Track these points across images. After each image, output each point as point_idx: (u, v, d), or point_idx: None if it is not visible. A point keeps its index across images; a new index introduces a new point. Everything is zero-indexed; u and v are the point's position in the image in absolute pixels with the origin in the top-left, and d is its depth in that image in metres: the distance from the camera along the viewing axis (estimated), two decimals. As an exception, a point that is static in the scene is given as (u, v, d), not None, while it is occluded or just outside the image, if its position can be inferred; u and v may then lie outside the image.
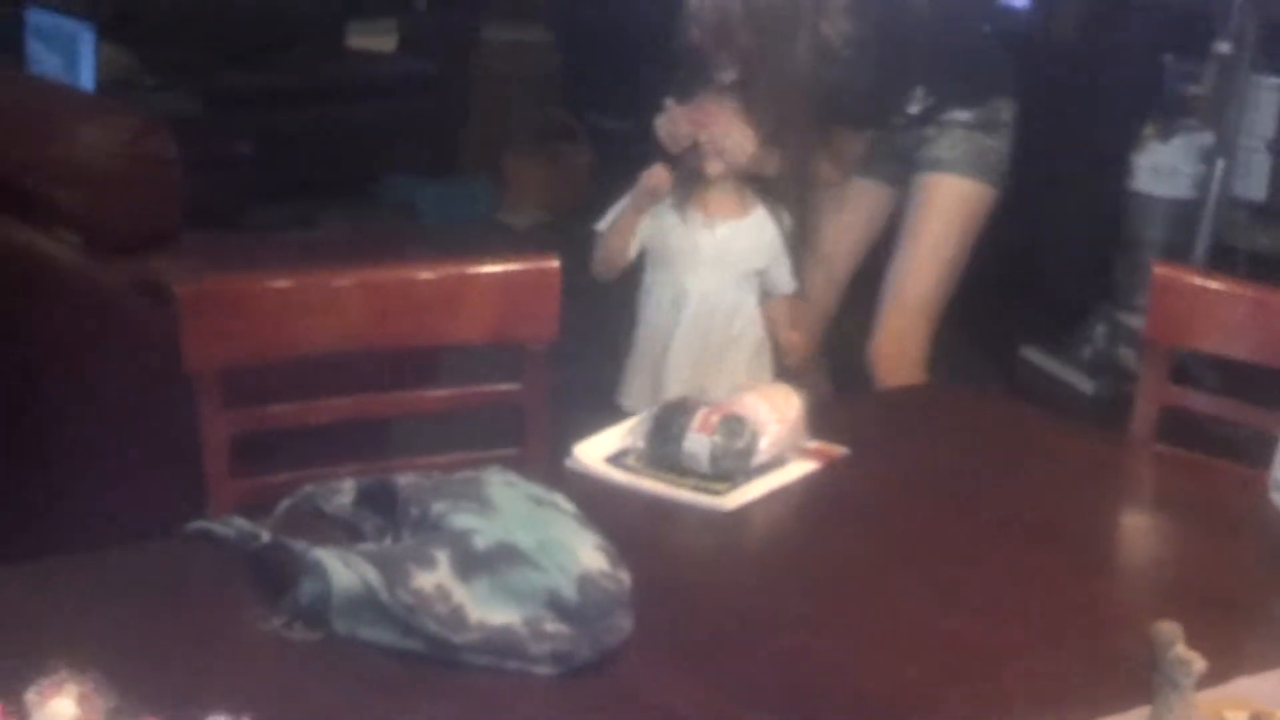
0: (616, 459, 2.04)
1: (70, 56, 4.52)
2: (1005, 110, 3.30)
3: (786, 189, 3.10)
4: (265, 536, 1.72)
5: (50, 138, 2.60)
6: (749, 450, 2.01)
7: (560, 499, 1.74)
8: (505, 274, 2.09)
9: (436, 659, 1.58)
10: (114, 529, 1.99)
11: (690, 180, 3.05)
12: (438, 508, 1.70)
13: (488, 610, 1.60)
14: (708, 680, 1.58)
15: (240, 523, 1.76)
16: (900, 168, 3.37)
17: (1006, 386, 4.84)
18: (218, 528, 1.77)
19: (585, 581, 1.61)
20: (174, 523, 1.78)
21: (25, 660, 1.28)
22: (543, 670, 1.57)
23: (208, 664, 1.56)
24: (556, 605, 1.59)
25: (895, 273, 3.29)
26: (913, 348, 3.25)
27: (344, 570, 1.61)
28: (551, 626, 1.59)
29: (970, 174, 3.28)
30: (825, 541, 1.93)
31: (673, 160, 3.01)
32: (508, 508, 1.70)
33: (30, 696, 1.26)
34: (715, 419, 2.02)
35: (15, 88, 2.87)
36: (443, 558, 1.63)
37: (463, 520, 1.67)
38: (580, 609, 1.59)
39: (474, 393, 2.07)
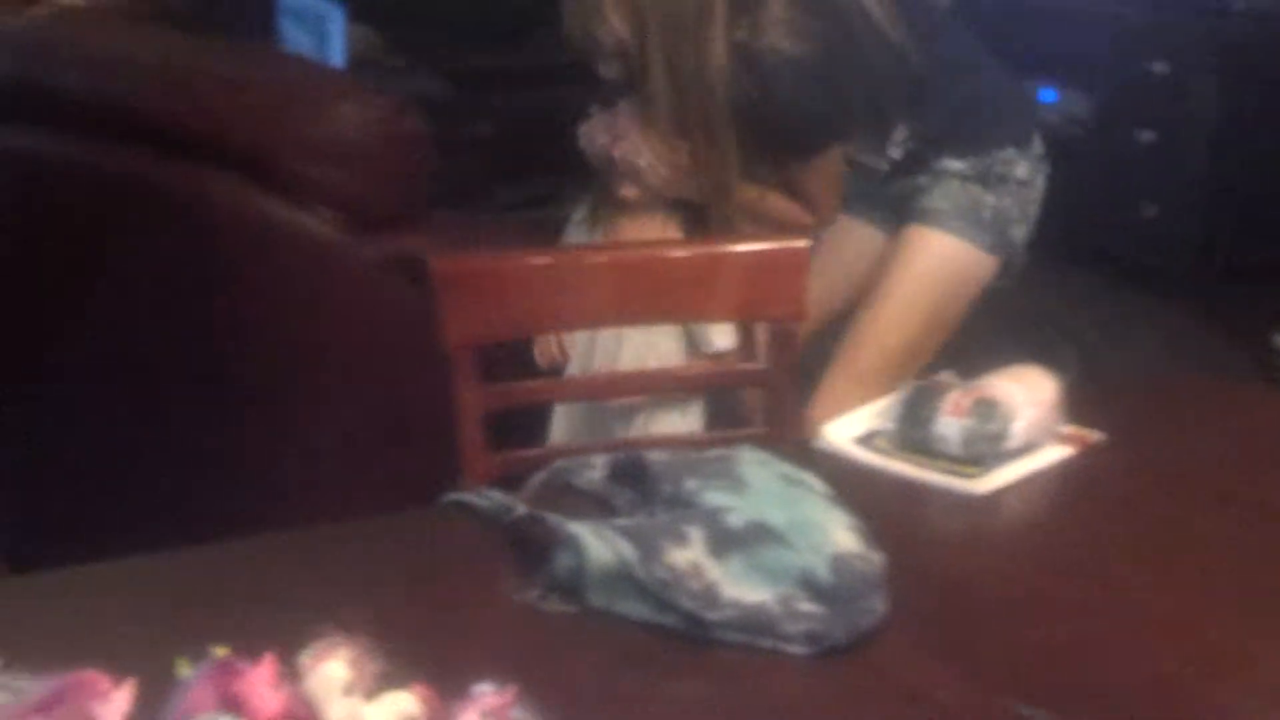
0: (865, 440, 2.02)
1: (320, 36, 4.63)
2: (1016, 165, 2.85)
3: (709, 222, 2.68)
4: (520, 509, 1.74)
5: (309, 116, 2.66)
6: (1002, 434, 1.98)
7: (811, 479, 1.74)
8: (756, 253, 2.08)
9: (690, 635, 1.59)
10: (368, 502, 2.04)
11: (609, 203, 2.70)
12: (690, 485, 1.71)
13: (741, 588, 1.61)
14: (963, 666, 1.56)
15: (495, 495, 1.79)
16: (894, 216, 2.95)
17: (1258, 375, 4.70)
18: (473, 500, 1.80)
19: (839, 562, 1.61)
20: (429, 496, 1.81)
21: (295, 626, 1.31)
22: (796, 650, 1.57)
23: (466, 634, 1.59)
24: (810, 585, 1.59)
25: (853, 331, 2.83)
26: None
27: (599, 544, 1.63)
28: (805, 606, 1.58)
29: (956, 232, 2.83)
30: (1080, 528, 1.89)
31: (595, 175, 2.68)
32: (760, 486, 1.70)
33: (304, 659, 1.30)
34: (968, 402, 1.99)
35: (274, 66, 2.94)
36: (696, 535, 1.63)
37: (716, 498, 1.68)
38: (834, 589, 1.59)
39: (724, 372, 2.07)
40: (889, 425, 2.02)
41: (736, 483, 1.70)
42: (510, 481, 1.86)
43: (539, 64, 5.71)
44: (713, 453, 1.79)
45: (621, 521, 1.71)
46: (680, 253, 2.02)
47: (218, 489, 2.63)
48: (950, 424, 1.97)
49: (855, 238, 2.97)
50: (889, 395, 2.35)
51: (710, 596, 1.60)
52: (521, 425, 2.47)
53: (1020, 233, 2.87)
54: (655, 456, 1.80)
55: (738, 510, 1.65)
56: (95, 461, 2.66)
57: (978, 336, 2.93)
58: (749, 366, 2.10)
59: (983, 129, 2.82)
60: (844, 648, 1.57)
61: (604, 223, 2.68)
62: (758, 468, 1.74)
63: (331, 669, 1.29)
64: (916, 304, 2.79)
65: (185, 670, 1.29)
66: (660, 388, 2.15)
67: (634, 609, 1.62)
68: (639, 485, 1.80)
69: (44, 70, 2.80)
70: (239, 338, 2.57)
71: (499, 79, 5.53)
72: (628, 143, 2.59)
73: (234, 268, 2.43)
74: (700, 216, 2.67)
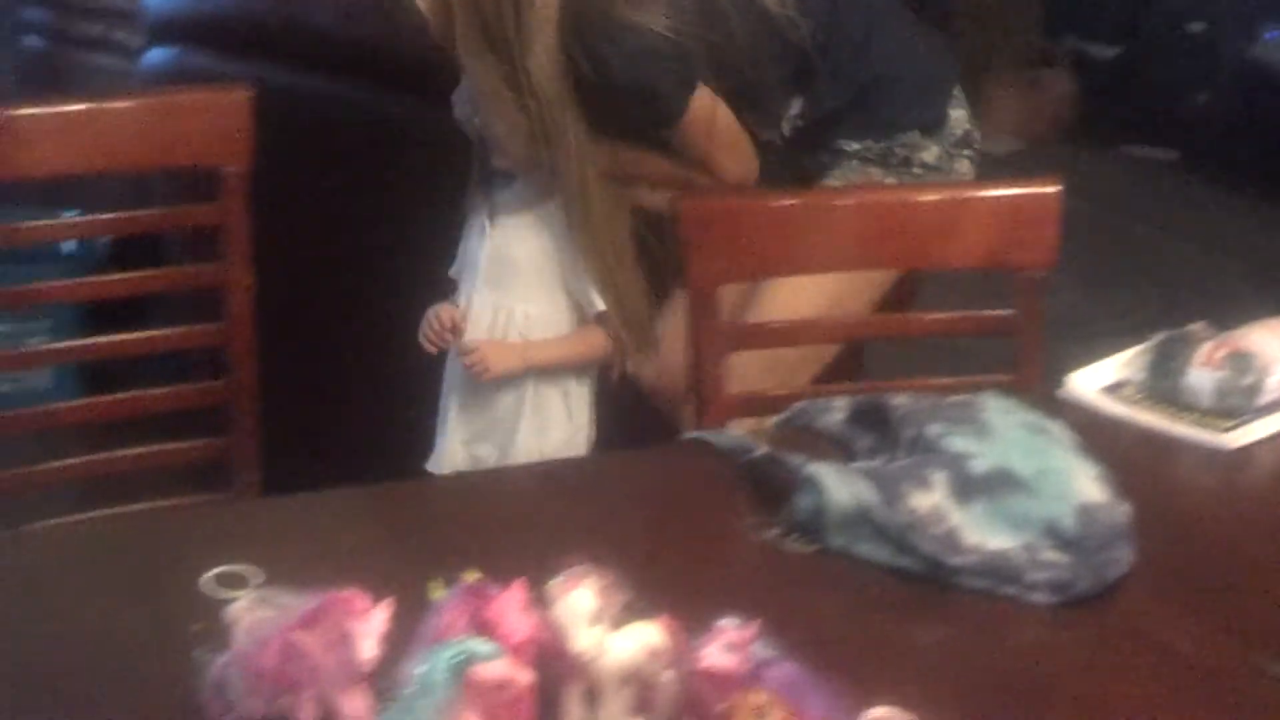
0: (1113, 389, 1.99)
1: None
2: (922, 150, 2.57)
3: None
4: (760, 449, 1.75)
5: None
6: (1256, 387, 1.93)
7: (1057, 427, 1.72)
8: (1005, 199, 2.05)
9: (931, 579, 1.59)
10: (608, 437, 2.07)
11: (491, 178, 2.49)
12: (933, 429, 1.70)
13: (984, 534, 1.59)
14: (1211, 621, 1.53)
15: (736, 434, 1.80)
16: None
17: None
18: (714, 438, 1.81)
19: (1084, 512, 1.59)
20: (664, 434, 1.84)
21: (544, 555, 1.34)
22: (1039, 598, 1.55)
23: (708, 569, 1.61)
24: (1055, 534, 1.57)
25: (755, 308, 2.44)
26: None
27: (840, 486, 1.63)
28: (1049, 554, 1.57)
29: None
30: (1336, 487, 1.84)
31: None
32: (1005, 433, 1.68)
33: (552, 587, 1.32)
34: (1221, 354, 1.94)
35: None
36: (939, 479, 1.62)
37: (960, 444, 1.66)
38: (1079, 539, 1.57)
39: (968, 318, 2.05)
40: (1138, 375, 1.98)
41: (981, 429, 1.68)
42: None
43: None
44: (957, 398, 1.77)
45: (862, 464, 1.71)
46: (928, 197, 2.00)
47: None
48: (1202, 376, 1.93)
49: None
50: (804, 372, 2.34)
51: (952, 541, 1.59)
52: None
53: None
54: (898, 400, 1.79)
55: (981, 456, 1.64)
56: (348, 386, 2.73)
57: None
58: (996, 314, 2.07)
59: (884, 110, 2.58)
60: (1089, 598, 1.55)
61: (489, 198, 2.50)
62: (1002, 415, 1.72)
63: (579, 597, 1.31)
64: (809, 286, 2.45)
65: (438, 593, 1.33)
66: (909, 332, 2.13)
67: (873, 551, 1.62)
68: (881, 429, 1.79)
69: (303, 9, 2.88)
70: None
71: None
72: (485, 112, 2.40)
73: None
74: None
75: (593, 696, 1.32)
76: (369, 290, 2.76)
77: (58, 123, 2.05)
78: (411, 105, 2.69)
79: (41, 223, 2.39)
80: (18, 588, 1.54)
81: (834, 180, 2.53)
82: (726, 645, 1.27)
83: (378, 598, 1.29)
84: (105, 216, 2.26)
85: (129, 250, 2.89)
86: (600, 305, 2.40)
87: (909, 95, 2.59)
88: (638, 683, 1.34)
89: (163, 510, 2.10)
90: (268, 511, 1.77)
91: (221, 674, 1.31)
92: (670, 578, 1.50)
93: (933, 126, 2.58)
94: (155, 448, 2.23)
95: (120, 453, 2.23)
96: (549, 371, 2.43)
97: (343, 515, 1.64)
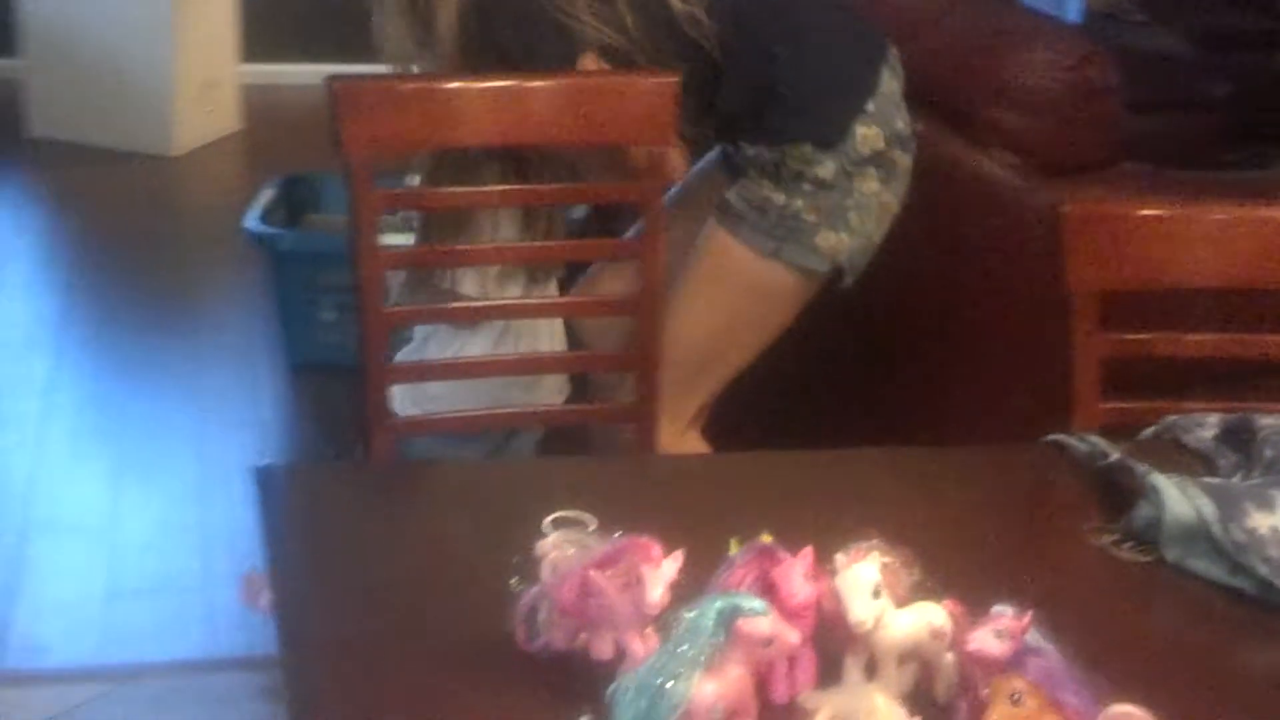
0: None
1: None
2: (815, 165, 2.39)
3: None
4: (1113, 455, 1.74)
5: (997, 61, 2.70)
6: None
7: None
8: None
9: (1264, 602, 1.55)
10: (984, 432, 2.08)
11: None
12: (1292, 451, 1.65)
13: (1325, 562, 1.55)
14: None
15: (1095, 440, 1.79)
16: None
17: None
18: (1072, 442, 1.81)
19: None
20: (1036, 435, 1.84)
21: (842, 528, 1.39)
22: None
23: (1033, 563, 1.62)
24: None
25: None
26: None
27: (1180, 498, 1.61)
28: (1389, 589, 1.50)
29: (734, 231, 2.43)
30: None
31: None
32: (1368, 463, 1.62)
33: (840, 556, 1.37)
34: None
35: (978, 12, 2.99)
36: (1283, 501, 1.58)
37: (1314, 468, 1.61)
38: None
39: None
40: None
41: (1343, 456, 1.63)
42: (1117, 433, 1.85)
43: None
44: (1329, 423, 1.71)
45: (1211, 480, 1.67)
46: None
47: (865, 402, 2.75)
48: None
49: (680, 226, 2.48)
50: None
51: (1290, 566, 1.55)
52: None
53: (835, 241, 2.42)
54: (1266, 421, 1.75)
55: (1334, 482, 1.59)
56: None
57: None
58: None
59: (777, 117, 2.42)
60: None
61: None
62: (1372, 443, 1.65)
63: (863, 570, 1.35)
64: (702, 303, 2.47)
65: (734, 549, 1.40)
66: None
67: (1207, 568, 1.59)
68: (1246, 448, 1.75)
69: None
70: (917, 267, 2.65)
71: (1241, 39, 5.32)
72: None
73: (923, 202, 2.51)
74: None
75: (872, 668, 1.37)
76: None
77: (492, 97, 2.20)
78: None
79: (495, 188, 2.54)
80: (402, 510, 1.71)
81: (733, 193, 2.43)
82: (997, 631, 1.29)
83: (674, 548, 1.37)
84: (552, 186, 2.43)
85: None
86: None
87: (803, 106, 2.42)
88: (918, 660, 1.38)
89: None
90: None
91: (530, 605, 1.42)
92: (994, 566, 1.52)
93: (830, 141, 2.40)
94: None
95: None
96: None
97: (707, 477, 1.73)
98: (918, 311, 2.68)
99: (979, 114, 2.72)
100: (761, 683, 1.31)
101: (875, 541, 1.38)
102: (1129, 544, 1.63)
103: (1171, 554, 1.61)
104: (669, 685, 1.26)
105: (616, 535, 1.39)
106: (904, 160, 2.48)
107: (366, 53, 2.47)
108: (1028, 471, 1.81)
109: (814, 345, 2.54)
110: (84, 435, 3.52)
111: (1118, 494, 1.69)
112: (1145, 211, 1.89)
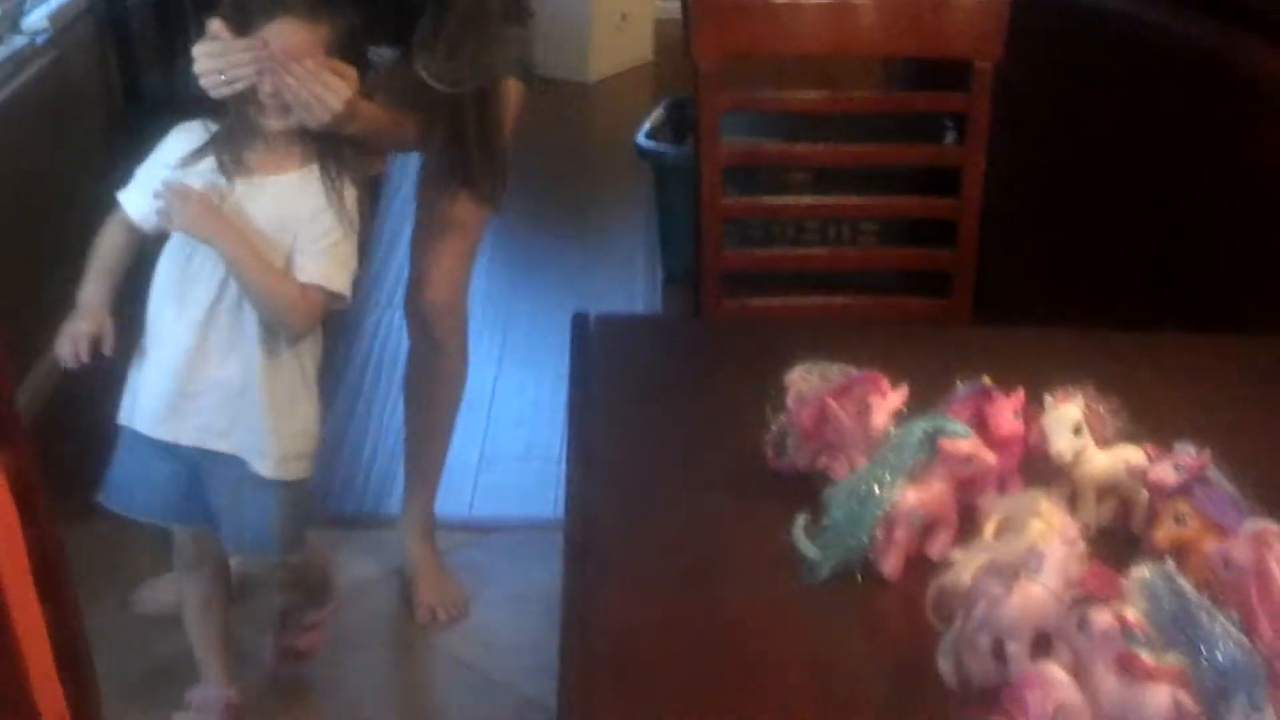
0: None
1: None
2: None
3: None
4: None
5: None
6: None
7: None
8: None
9: None
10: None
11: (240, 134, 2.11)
12: None
13: None
14: None
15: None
16: None
17: None
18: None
19: None
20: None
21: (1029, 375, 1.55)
22: None
23: (1254, 436, 1.73)
24: None
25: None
26: None
27: None
28: None
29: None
30: None
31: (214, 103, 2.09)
32: None
33: (1048, 397, 1.54)
34: None
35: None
36: None
37: None
38: None
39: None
40: None
41: None
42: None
43: None
44: None
45: None
46: None
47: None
48: None
49: None
50: None
51: None
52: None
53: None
54: None
55: None
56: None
57: None
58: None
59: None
60: None
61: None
62: None
63: (1067, 410, 1.52)
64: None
65: (960, 387, 1.58)
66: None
67: None
68: None
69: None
70: (1225, 181, 2.70)
71: None
72: (297, 69, 2.06)
73: (1241, 123, 2.56)
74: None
75: (1074, 502, 1.53)
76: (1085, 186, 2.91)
77: (821, 11, 2.41)
78: (1163, 15, 2.80)
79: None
80: (692, 357, 1.95)
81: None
82: (1176, 465, 1.44)
83: (901, 382, 1.57)
84: (863, 94, 2.61)
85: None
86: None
87: None
88: (1116, 497, 1.54)
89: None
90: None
91: (779, 430, 1.63)
92: (1229, 438, 1.60)
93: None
94: (885, 298, 2.57)
95: (856, 298, 2.58)
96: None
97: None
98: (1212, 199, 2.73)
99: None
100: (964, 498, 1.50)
101: (1086, 388, 1.55)
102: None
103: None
104: (876, 491, 1.46)
105: (852, 371, 1.60)
106: None
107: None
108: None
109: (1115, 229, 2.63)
110: (474, 326, 3.88)
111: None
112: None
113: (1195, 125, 2.68)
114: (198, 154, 2.10)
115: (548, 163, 4.88)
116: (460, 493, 3.18)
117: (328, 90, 2.03)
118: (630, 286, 4.11)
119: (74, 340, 2.06)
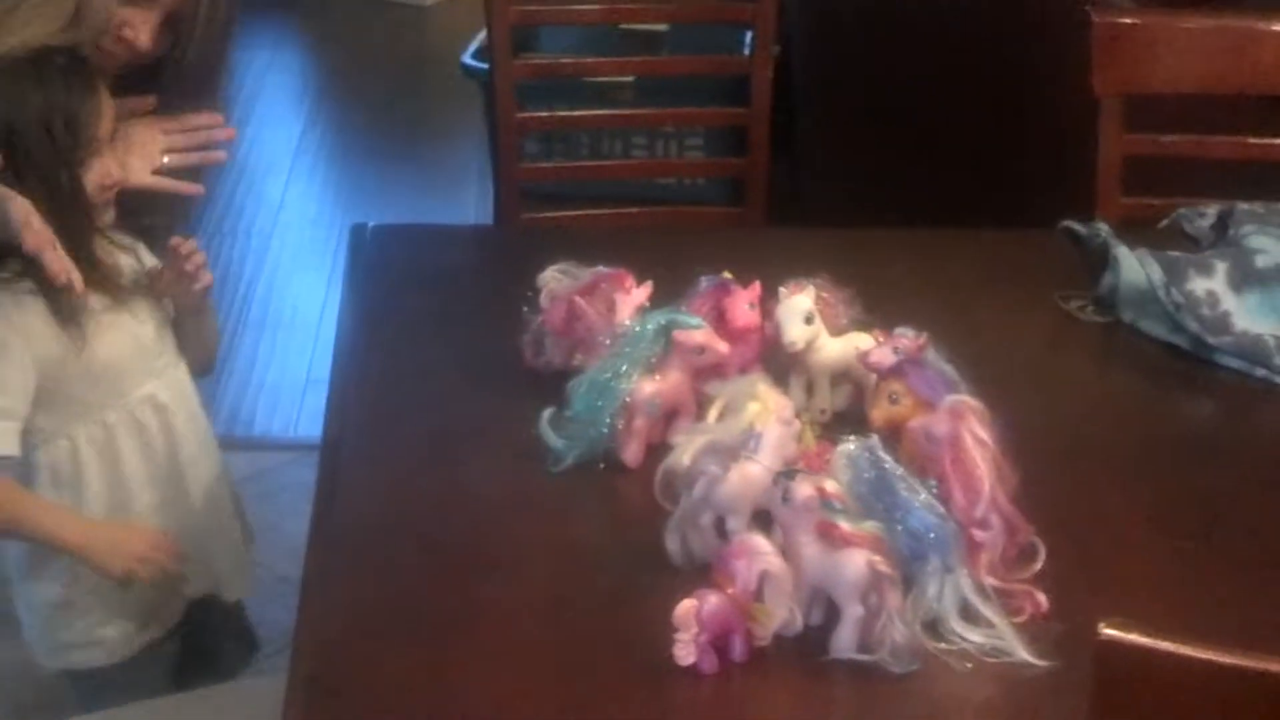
0: None
1: None
2: None
3: None
4: (1102, 233, 1.92)
5: None
6: None
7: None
8: None
9: (1195, 356, 1.75)
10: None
11: None
12: (1246, 229, 1.83)
13: (1251, 320, 1.73)
14: None
15: (1099, 226, 1.97)
16: None
17: None
18: (1078, 227, 1.99)
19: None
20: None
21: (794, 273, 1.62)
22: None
23: (999, 320, 1.83)
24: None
25: None
26: None
27: (1135, 266, 1.81)
28: (1298, 341, 1.68)
29: None
30: None
31: None
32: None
33: (781, 289, 1.61)
34: None
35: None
36: (1221, 268, 1.77)
37: (1258, 241, 1.80)
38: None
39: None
40: None
41: (1287, 232, 1.80)
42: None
43: None
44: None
45: (1170, 253, 1.85)
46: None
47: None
48: None
49: None
50: None
51: (1220, 323, 1.74)
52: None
53: None
54: (1245, 206, 1.91)
55: (1271, 253, 1.76)
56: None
57: None
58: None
59: None
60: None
61: None
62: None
63: (798, 300, 1.59)
64: None
65: (702, 282, 1.64)
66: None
67: (1153, 327, 1.79)
68: (1225, 230, 1.93)
69: None
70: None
71: None
72: None
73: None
74: None
75: (810, 388, 1.61)
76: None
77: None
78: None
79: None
80: (462, 263, 2.01)
81: None
82: (895, 348, 1.52)
83: (645, 280, 1.63)
84: (665, 7, 2.67)
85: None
86: None
87: None
88: (851, 382, 1.62)
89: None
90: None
91: (536, 330, 1.70)
92: (961, 324, 1.69)
93: None
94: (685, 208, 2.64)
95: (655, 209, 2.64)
96: None
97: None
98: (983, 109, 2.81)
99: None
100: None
101: (821, 282, 1.62)
102: (1092, 308, 1.84)
103: (1126, 315, 1.81)
104: (614, 382, 1.53)
105: (601, 270, 1.66)
106: None
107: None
108: (1035, 251, 2.01)
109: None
110: (304, 249, 3.91)
111: (1089, 264, 1.89)
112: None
113: (997, 32, 2.77)
114: None
115: (382, 85, 4.89)
116: (287, 412, 3.22)
117: None
118: (462, 205, 4.14)
119: None
